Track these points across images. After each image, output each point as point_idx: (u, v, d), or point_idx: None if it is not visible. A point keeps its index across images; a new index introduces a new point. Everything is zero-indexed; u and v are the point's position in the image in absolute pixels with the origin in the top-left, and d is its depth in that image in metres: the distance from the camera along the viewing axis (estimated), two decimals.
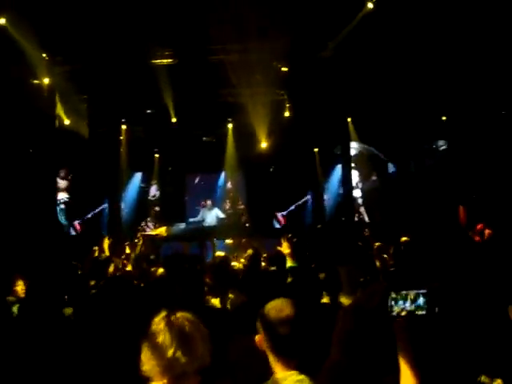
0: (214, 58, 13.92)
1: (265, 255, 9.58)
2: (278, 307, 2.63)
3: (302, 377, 2.51)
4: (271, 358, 2.60)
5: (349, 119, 15.01)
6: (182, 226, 16.54)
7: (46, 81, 12.92)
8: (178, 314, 2.36)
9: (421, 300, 2.13)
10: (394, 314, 2.15)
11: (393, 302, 2.16)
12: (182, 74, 14.45)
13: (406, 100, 13.39)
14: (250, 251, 10.20)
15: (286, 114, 15.57)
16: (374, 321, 2.38)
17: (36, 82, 13.19)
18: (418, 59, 12.05)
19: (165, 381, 2.22)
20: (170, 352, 2.22)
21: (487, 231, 8.69)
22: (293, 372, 2.52)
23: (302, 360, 2.61)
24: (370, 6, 11.36)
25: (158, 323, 2.31)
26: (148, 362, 2.25)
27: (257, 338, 2.66)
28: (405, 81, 12.66)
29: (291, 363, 2.56)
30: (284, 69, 13.55)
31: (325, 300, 4.77)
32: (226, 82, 14.28)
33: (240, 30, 12.63)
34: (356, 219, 17.76)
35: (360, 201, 18.24)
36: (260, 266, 8.14)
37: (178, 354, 2.21)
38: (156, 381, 2.23)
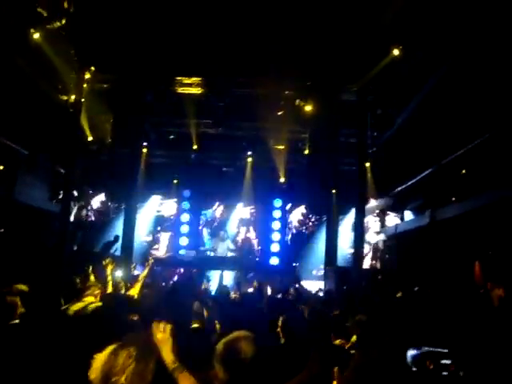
0: (240, 91, 14.11)
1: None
2: (237, 347, 2.60)
3: None
4: None
5: (367, 164, 15.00)
6: (192, 253, 16.54)
7: (73, 97, 13.17)
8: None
9: (444, 360, 2.14)
10: (414, 368, 2.16)
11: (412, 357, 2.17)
12: (207, 104, 14.67)
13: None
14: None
15: (306, 151, 15.64)
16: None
17: (64, 97, 13.48)
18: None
19: None
20: None
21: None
22: None
23: None
24: (396, 52, 11.50)
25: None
26: None
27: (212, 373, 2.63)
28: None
29: None
30: (308, 107, 13.64)
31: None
32: (249, 116, 14.46)
33: (267, 66, 12.86)
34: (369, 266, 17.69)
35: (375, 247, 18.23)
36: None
37: None
38: None
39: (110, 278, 7.86)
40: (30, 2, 10.65)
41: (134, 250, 15.91)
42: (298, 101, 13.62)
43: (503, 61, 9.57)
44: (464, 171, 13.50)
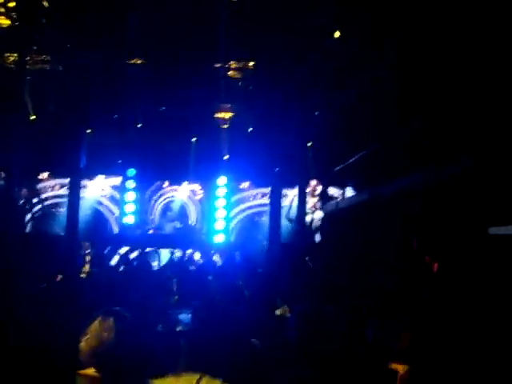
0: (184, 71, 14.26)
1: None
2: None
3: None
4: None
5: (309, 144, 15.41)
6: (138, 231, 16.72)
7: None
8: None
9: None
10: None
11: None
12: (150, 84, 14.73)
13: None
14: None
15: (249, 129, 15.94)
16: None
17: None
18: None
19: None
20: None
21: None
22: None
23: None
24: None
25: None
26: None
27: None
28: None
29: None
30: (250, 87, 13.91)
31: None
32: (193, 95, 14.64)
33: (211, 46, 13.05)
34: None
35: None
36: None
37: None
38: None
39: None
40: None
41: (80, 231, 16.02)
42: (240, 83, 13.88)
43: (439, 38, 10.01)
44: (402, 150, 14.01)
